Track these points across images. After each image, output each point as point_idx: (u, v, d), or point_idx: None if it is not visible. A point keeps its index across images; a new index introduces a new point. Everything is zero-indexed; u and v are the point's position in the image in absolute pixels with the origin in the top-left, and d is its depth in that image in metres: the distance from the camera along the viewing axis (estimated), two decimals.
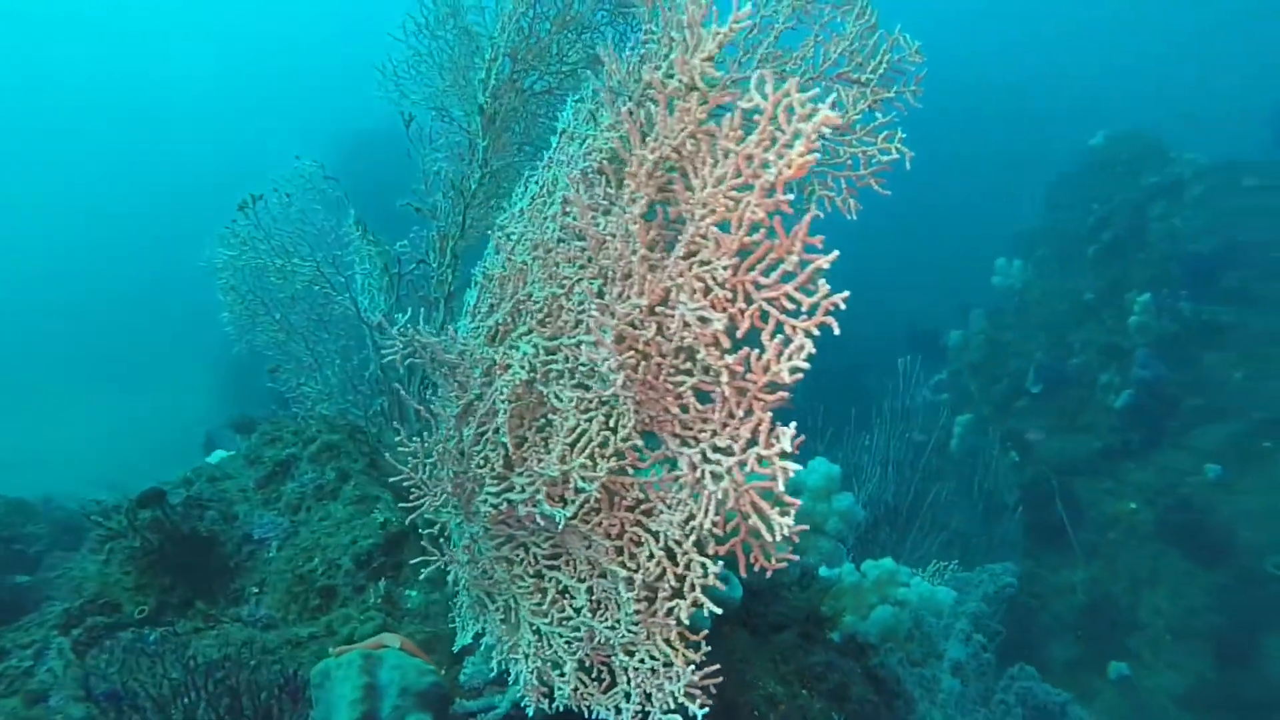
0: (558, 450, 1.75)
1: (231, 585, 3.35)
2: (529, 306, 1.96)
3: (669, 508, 1.57)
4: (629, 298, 1.50)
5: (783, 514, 1.24)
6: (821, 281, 1.21)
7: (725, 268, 1.30)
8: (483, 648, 2.35)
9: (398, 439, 2.25)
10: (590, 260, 1.70)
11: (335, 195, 2.69)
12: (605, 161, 1.81)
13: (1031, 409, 9.03)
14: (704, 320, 1.31)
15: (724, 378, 1.28)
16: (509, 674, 2.61)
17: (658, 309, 1.44)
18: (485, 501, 1.99)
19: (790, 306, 1.25)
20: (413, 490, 2.80)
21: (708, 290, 1.34)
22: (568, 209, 1.86)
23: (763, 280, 1.28)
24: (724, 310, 1.31)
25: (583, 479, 1.66)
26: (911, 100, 1.96)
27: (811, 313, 1.23)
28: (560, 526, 1.67)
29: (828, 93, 1.27)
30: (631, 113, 1.61)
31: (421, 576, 2.95)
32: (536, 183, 2.25)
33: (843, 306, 1.20)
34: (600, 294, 1.63)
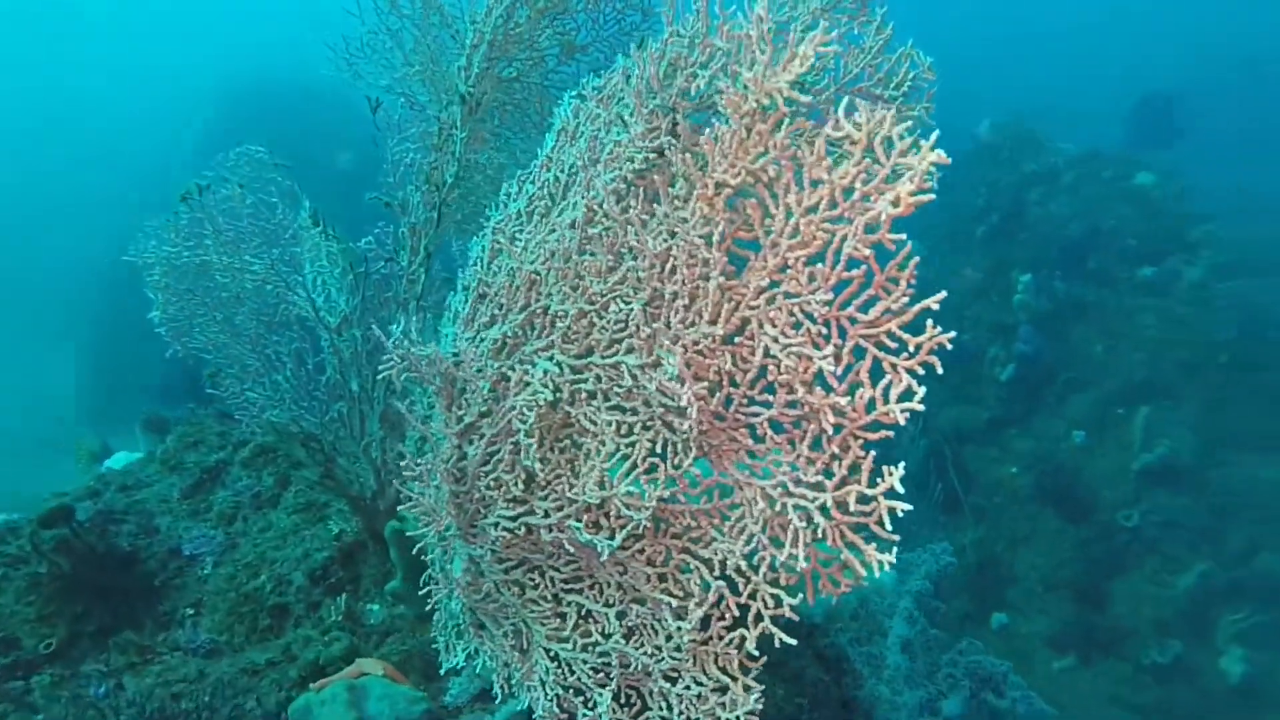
0: (593, 475, 1.68)
1: (159, 608, 3.07)
2: (545, 320, 1.86)
3: (726, 536, 1.54)
4: (696, 324, 1.44)
5: (883, 550, 1.24)
6: (929, 320, 1.20)
7: (821, 302, 1.27)
8: (473, 669, 2.26)
9: (365, 446, 2.11)
10: (633, 277, 1.62)
11: (286, 185, 2.45)
12: (635, 173, 1.72)
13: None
14: (798, 355, 1.28)
15: (828, 417, 1.25)
16: (493, 692, 2.53)
17: (735, 339, 1.39)
18: (496, 525, 1.89)
19: (890, 344, 1.23)
20: (398, 508, 2.63)
21: (796, 323, 1.30)
22: (595, 219, 1.76)
23: (860, 316, 1.25)
24: (818, 345, 1.28)
25: (628, 506, 1.60)
26: (925, 117, 1.98)
27: (908, 349, 1.22)
28: (604, 555, 1.60)
29: (851, 109, 1.24)
30: (699, 131, 1.53)
31: (387, 589, 2.80)
32: (533, 183, 2.13)
33: (949, 346, 1.20)
34: (654, 316, 1.56)
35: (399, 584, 2.71)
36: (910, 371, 1.21)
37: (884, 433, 1.23)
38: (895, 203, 1.19)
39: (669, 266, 1.52)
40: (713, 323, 1.41)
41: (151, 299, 2.55)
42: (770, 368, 1.34)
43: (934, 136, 1.20)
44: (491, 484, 1.89)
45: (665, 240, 1.56)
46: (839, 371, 1.24)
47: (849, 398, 1.24)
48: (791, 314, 1.31)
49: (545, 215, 2.04)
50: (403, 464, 2.07)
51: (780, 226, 1.33)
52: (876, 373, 1.26)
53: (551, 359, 1.82)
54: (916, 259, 1.20)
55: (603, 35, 2.81)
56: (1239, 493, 8.62)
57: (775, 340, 1.32)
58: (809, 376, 1.27)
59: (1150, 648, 7.99)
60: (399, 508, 2.89)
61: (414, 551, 2.61)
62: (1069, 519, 8.47)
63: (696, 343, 1.43)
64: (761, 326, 1.35)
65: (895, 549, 1.22)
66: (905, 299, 1.20)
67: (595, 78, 2.13)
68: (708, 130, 1.52)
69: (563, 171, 2.04)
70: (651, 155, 1.69)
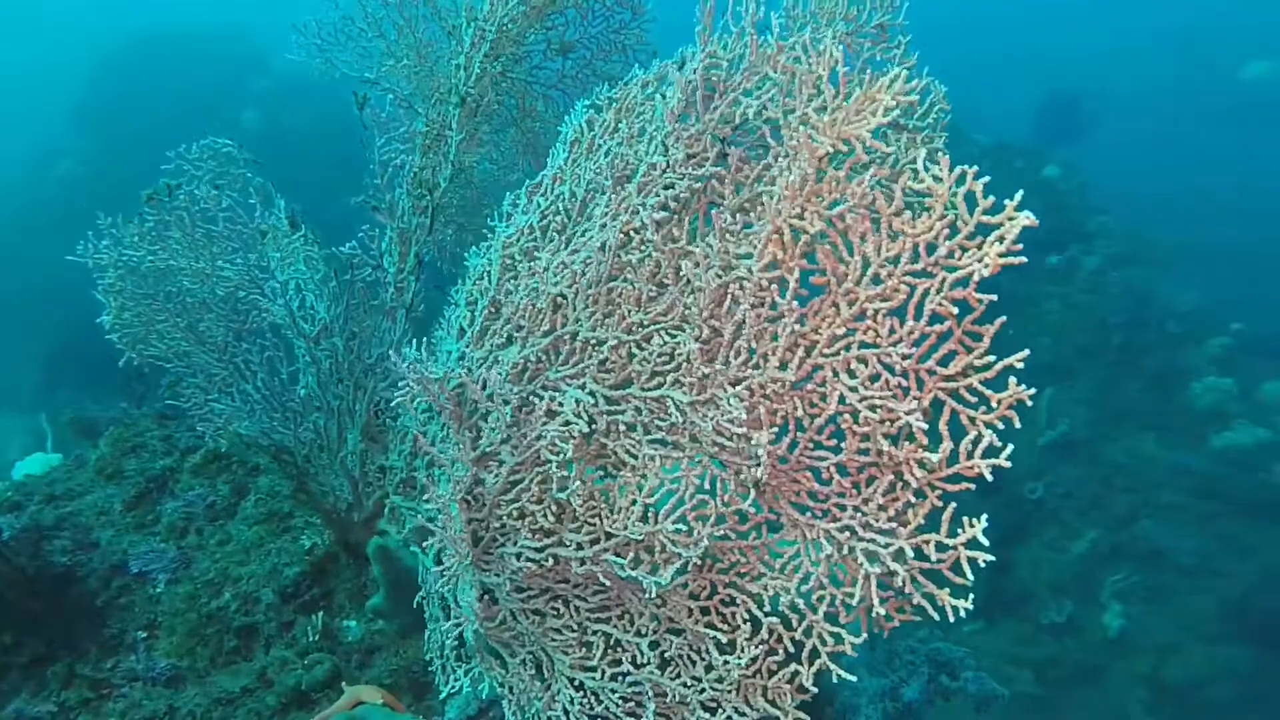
0: (635, 510, 1.65)
1: (103, 631, 2.86)
2: (573, 346, 1.81)
3: (777, 572, 1.55)
4: (762, 367, 1.43)
5: (958, 596, 1.27)
6: (1011, 378, 1.23)
7: (901, 355, 1.28)
8: (476, 691, 2.21)
9: (342, 458, 2.01)
10: (681, 310, 1.59)
11: (259, 182, 2.26)
12: (676, 199, 1.68)
13: None
14: (880, 407, 1.29)
15: (914, 472, 1.27)
16: (492, 713, 2.49)
17: (803, 384, 1.39)
18: (519, 555, 1.84)
19: (969, 398, 1.26)
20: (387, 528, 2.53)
21: (874, 374, 1.31)
22: (630, 244, 1.72)
23: (939, 369, 1.27)
24: (897, 396, 1.29)
25: (674, 543, 1.59)
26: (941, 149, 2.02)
27: (988, 404, 1.25)
28: (652, 593, 1.59)
29: (932, 159, 1.26)
30: (746, 161, 1.51)
31: (367, 606, 2.70)
32: (544, 196, 2.05)
33: (1029, 403, 1.23)
34: (708, 354, 1.54)
35: (381, 601, 2.62)
36: (989, 425, 1.24)
37: (965, 485, 1.26)
38: (982, 261, 1.21)
39: (727, 304, 1.50)
40: (782, 367, 1.40)
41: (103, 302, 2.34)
42: (844, 415, 1.35)
43: (1018, 196, 1.23)
44: (514, 513, 1.84)
45: (719, 275, 1.54)
46: (925, 425, 1.25)
47: (933, 452, 1.26)
48: (867, 363, 1.31)
49: (562, 232, 1.97)
50: (424, 493, 1.98)
51: (855, 275, 1.33)
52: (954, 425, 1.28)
53: (583, 388, 1.77)
54: (1003, 319, 1.22)
55: (590, 33, 2.73)
56: (1124, 465, 9.37)
57: (854, 390, 1.32)
58: (893, 429, 1.29)
59: (1048, 608, 8.63)
60: (379, 522, 2.78)
61: (401, 569, 2.52)
62: (983, 493, 8.98)
63: (763, 386, 1.42)
64: (837, 375, 1.35)
65: (971, 594, 1.25)
66: (990, 356, 1.22)
67: (608, 86, 2.07)
68: (763, 164, 1.50)
69: (579, 186, 1.97)
70: (695, 184, 1.65)
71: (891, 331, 1.29)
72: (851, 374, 1.34)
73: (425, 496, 1.93)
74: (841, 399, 1.35)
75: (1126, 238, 9.86)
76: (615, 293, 1.73)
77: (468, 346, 2.03)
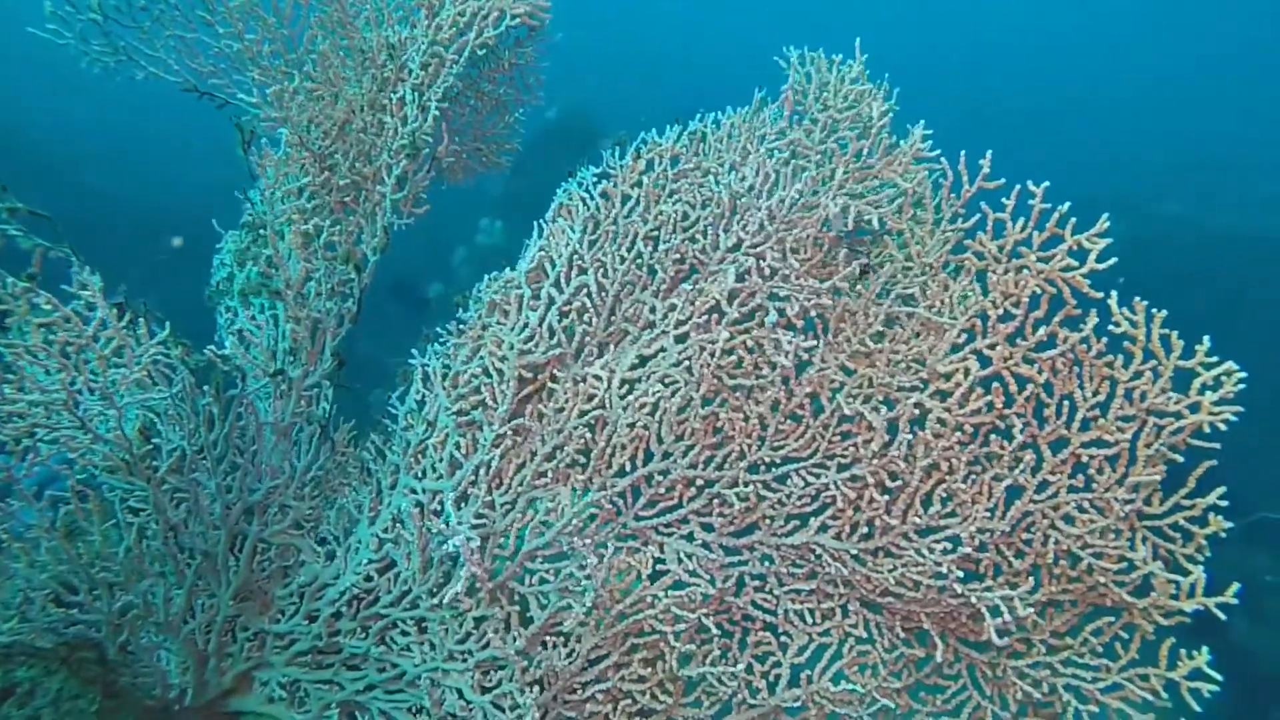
0: (777, 670, 1.46)
1: None
2: (663, 486, 1.51)
3: (933, 709, 1.49)
4: (968, 517, 1.34)
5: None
6: (1213, 514, 1.34)
7: (1122, 499, 1.31)
8: None
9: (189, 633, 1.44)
10: (842, 449, 1.42)
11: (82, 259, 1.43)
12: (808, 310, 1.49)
13: None
14: (1109, 554, 1.30)
15: (1150, 615, 1.30)
16: None
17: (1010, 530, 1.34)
18: None
19: (1173, 535, 1.34)
20: None
21: (1091, 516, 1.32)
22: (742, 366, 1.48)
23: (1149, 510, 1.33)
24: (1115, 537, 1.32)
25: (838, 703, 1.43)
26: None
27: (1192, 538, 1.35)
28: None
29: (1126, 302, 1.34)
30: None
31: None
32: (556, 288, 1.65)
33: (1226, 527, 1.35)
34: (881, 502, 1.40)
35: None
36: (1191, 559, 1.33)
37: (1178, 618, 1.34)
38: (1196, 409, 1.29)
39: (900, 446, 1.38)
40: (998, 516, 1.33)
41: None
42: (1062, 560, 1.34)
43: (1205, 339, 1.33)
44: (602, 695, 1.48)
45: (882, 411, 1.40)
46: (1153, 568, 1.30)
47: (1157, 594, 1.31)
48: (1084, 509, 1.32)
49: (605, 342, 1.62)
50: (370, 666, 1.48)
51: (1056, 420, 1.32)
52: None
53: (689, 537, 1.49)
54: (1213, 462, 1.32)
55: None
56: None
57: (1078, 539, 1.32)
58: (1129, 579, 1.31)
59: None
60: (239, 700, 2.04)
61: None
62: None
63: (973, 537, 1.34)
64: (1054, 526, 1.33)
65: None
66: (1200, 498, 1.32)
67: (623, 151, 1.77)
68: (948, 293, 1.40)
69: (605, 277, 1.64)
70: (829, 298, 1.47)
71: (1104, 474, 1.31)
72: (1069, 520, 1.33)
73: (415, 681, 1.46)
74: (1058, 544, 1.34)
75: None
76: (729, 424, 1.48)
77: (480, 489, 1.56)
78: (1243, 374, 1.28)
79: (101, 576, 1.71)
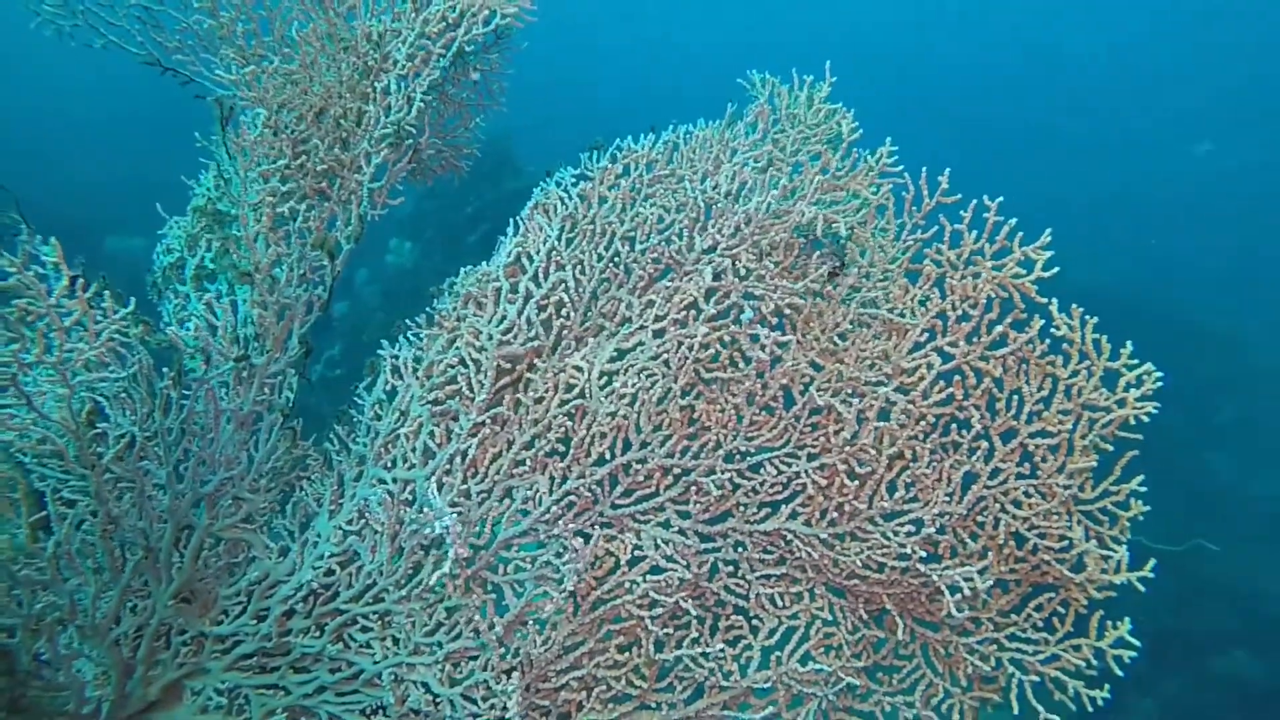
0: (749, 653, 1.51)
1: None
2: (639, 475, 1.55)
3: (887, 688, 1.58)
4: (928, 501, 1.45)
5: (1097, 688, 1.50)
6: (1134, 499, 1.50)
7: (1062, 485, 1.45)
8: None
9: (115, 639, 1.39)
10: (812, 440, 1.50)
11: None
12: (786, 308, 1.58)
13: None
14: (1054, 535, 1.43)
15: (1085, 590, 1.44)
16: None
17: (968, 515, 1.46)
18: None
19: (1101, 518, 1.49)
20: None
21: (1036, 500, 1.46)
22: (719, 358, 1.55)
23: (1083, 495, 1.48)
24: (1057, 519, 1.46)
25: (805, 683, 1.50)
26: None
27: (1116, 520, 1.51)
28: None
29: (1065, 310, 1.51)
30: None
31: None
32: (535, 281, 1.68)
33: (1141, 517, 1.52)
34: (849, 487, 1.49)
35: None
36: (1115, 539, 1.49)
37: (1108, 592, 1.49)
38: (1122, 404, 1.46)
39: (870, 434, 1.48)
40: (956, 500, 1.45)
41: None
42: (1010, 540, 1.47)
43: (1128, 344, 1.50)
44: (576, 683, 1.50)
45: (845, 402, 1.50)
46: (1088, 547, 1.45)
47: (1091, 570, 1.46)
48: (1029, 494, 1.46)
49: (582, 336, 1.66)
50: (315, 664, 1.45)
51: (1006, 413, 1.46)
52: None
53: (665, 524, 1.54)
54: (1135, 452, 1.49)
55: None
56: None
57: (1025, 521, 1.45)
58: (1068, 557, 1.45)
59: None
60: (164, 713, 1.92)
61: None
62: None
63: (934, 519, 1.45)
64: (1004, 509, 1.46)
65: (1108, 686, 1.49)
66: (1126, 483, 1.48)
67: (600, 155, 1.83)
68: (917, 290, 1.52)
69: (583, 274, 1.69)
70: (807, 297, 1.57)
71: (1047, 462, 1.46)
72: (1017, 504, 1.46)
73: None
74: (1008, 527, 1.46)
75: None
76: (695, 414, 1.54)
77: (455, 477, 1.55)
78: (1150, 368, 1.46)
79: (24, 574, 1.58)
